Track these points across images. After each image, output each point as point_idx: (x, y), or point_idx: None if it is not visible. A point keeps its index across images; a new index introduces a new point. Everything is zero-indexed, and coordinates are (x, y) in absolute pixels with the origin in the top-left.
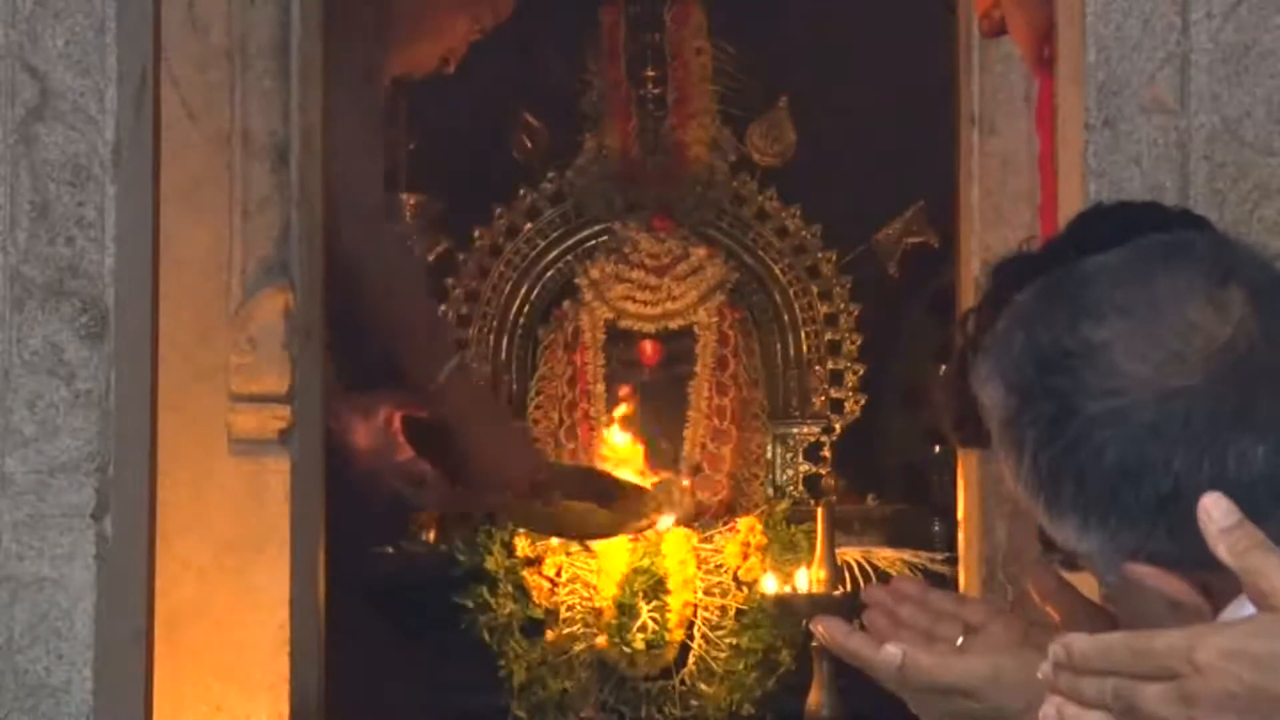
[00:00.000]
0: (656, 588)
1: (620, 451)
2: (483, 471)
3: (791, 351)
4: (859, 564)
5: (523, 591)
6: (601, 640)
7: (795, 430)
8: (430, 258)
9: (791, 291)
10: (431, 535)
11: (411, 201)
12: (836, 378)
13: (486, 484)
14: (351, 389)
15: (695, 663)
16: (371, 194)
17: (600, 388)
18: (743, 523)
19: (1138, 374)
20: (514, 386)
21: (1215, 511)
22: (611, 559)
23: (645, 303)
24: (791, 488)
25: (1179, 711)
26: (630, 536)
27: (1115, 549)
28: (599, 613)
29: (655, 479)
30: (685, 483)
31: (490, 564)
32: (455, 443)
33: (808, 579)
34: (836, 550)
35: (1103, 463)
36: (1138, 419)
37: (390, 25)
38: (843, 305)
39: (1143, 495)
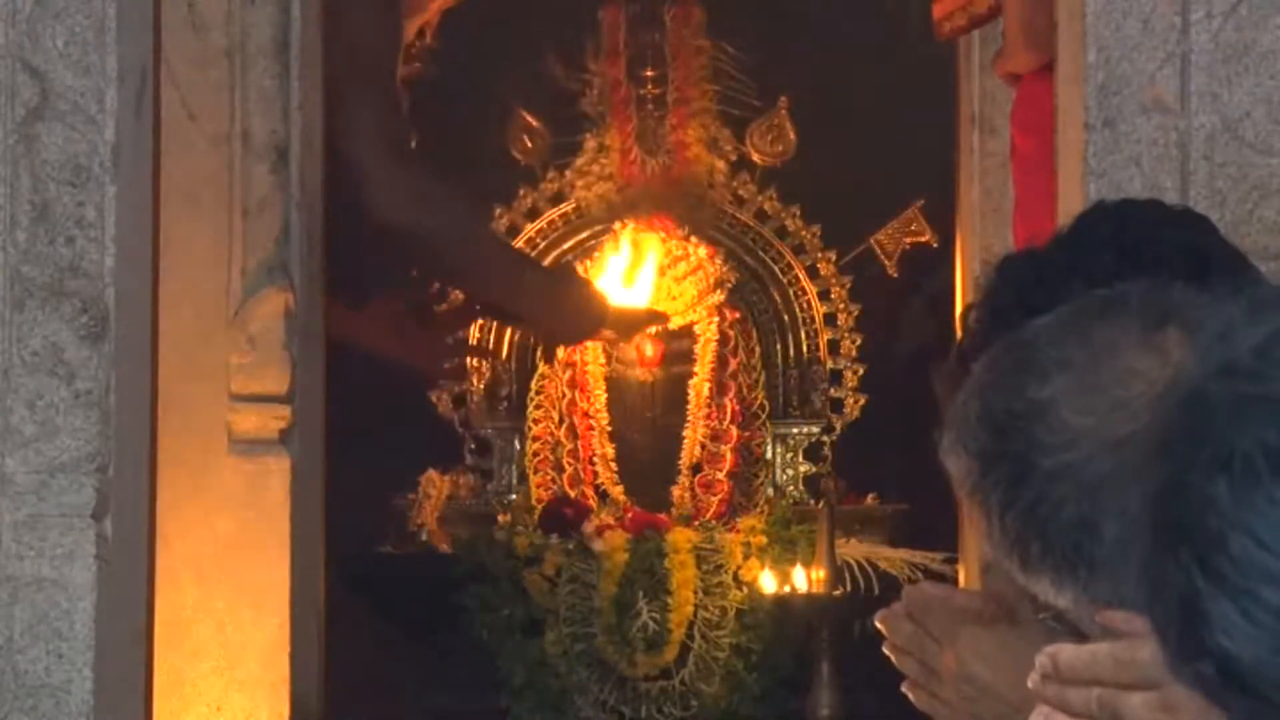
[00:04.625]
0: (656, 587)
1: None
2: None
3: (791, 351)
4: (859, 564)
5: (523, 591)
6: (601, 640)
7: (795, 430)
8: None
9: (791, 291)
10: (432, 535)
11: None
12: (836, 377)
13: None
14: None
15: (695, 663)
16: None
17: (600, 388)
18: (743, 523)
19: (1084, 426)
20: (514, 386)
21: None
22: (611, 559)
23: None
24: (791, 488)
25: (1162, 719)
26: (630, 534)
27: (1090, 600)
28: (599, 613)
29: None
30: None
31: (490, 564)
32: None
33: (807, 579)
34: (837, 550)
35: (1062, 517)
36: (1089, 469)
37: None
38: (843, 305)
39: (1104, 543)
